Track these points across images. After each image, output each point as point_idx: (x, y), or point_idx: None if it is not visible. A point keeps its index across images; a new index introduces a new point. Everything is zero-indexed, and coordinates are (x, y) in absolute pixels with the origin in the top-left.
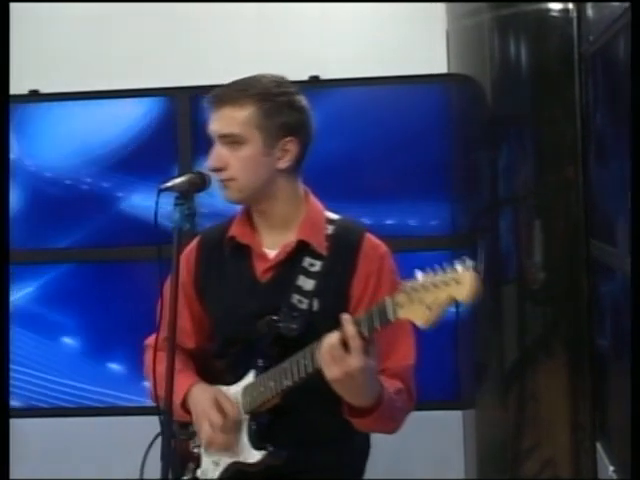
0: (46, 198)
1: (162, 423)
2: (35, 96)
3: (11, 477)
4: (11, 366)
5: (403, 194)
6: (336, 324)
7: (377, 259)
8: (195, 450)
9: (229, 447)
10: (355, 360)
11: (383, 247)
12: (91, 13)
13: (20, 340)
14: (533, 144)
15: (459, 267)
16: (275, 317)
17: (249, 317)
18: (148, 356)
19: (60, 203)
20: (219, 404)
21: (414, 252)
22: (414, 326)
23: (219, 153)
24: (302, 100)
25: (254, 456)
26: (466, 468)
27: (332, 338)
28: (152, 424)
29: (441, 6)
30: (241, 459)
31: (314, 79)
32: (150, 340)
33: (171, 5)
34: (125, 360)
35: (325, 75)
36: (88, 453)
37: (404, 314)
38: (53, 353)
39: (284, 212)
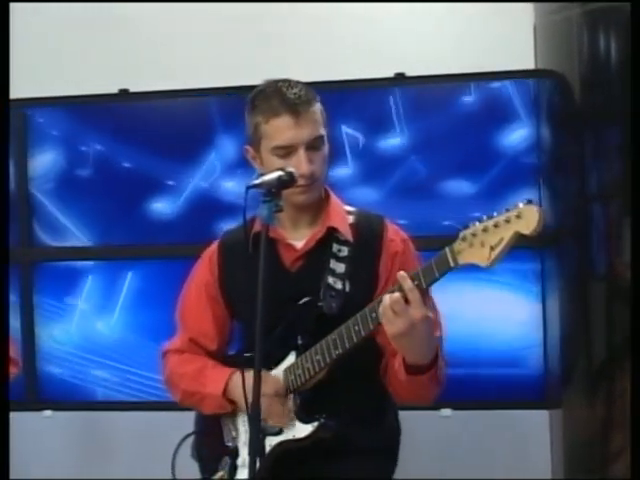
0: (131, 195)
1: (250, 422)
2: (125, 95)
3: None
4: (100, 360)
5: (489, 191)
6: (368, 303)
7: (400, 241)
8: (229, 444)
9: (286, 418)
10: (416, 310)
11: (403, 232)
12: (175, 14)
13: (106, 334)
14: (622, 141)
15: (519, 204)
16: (314, 298)
17: (282, 304)
18: (170, 361)
19: (146, 200)
20: (266, 380)
21: None
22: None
23: (310, 158)
24: None
25: (304, 430)
26: (553, 469)
27: (393, 295)
28: None
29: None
30: (289, 437)
31: (400, 76)
32: (170, 345)
33: (249, 5)
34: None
35: (412, 72)
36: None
37: (464, 259)
38: (140, 348)
39: (317, 204)
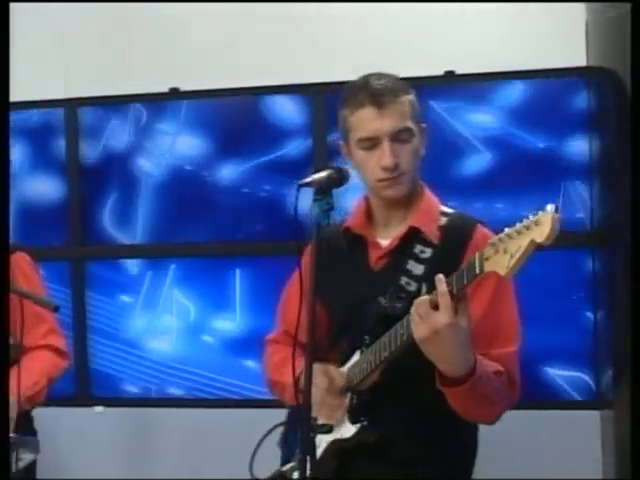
0: (193, 194)
1: (300, 417)
2: (175, 94)
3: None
4: (151, 357)
5: (541, 189)
6: None
7: None
8: None
9: (336, 413)
10: (442, 316)
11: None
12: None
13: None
14: None
15: (540, 211)
16: (382, 298)
17: (362, 303)
18: (266, 350)
19: (205, 198)
20: (327, 371)
21: (552, 248)
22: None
23: (393, 150)
24: None
25: (349, 430)
26: (604, 469)
27: (421, 298)
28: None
29: None
30: (338, 436)
31: (449, 74)
32: (269, 335)
33: (293, 5)
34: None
35: (464, 70)
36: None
37: (489, 267)
38: (191, 344)
39: (408, 202)
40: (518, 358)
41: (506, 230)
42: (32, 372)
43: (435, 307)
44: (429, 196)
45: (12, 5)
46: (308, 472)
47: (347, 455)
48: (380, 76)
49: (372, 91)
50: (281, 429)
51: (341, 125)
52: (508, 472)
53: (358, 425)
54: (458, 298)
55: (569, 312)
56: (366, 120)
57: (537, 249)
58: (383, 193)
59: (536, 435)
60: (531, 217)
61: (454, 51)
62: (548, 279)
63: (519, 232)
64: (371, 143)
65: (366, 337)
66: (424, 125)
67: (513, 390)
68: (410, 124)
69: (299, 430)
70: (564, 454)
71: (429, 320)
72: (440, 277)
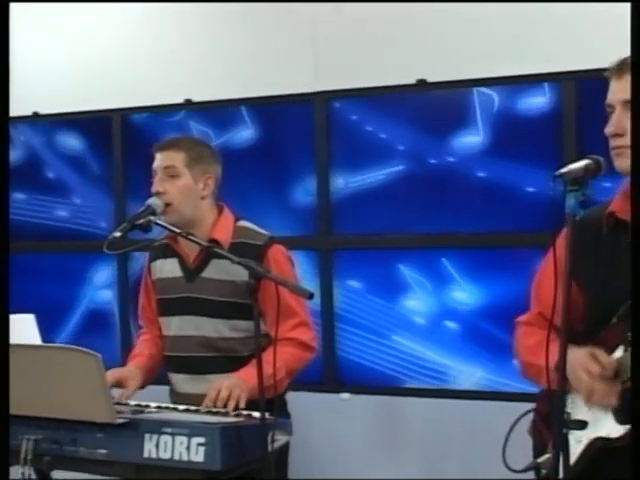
0: (425, 183)
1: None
2: (422, 85)
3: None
4: (398, 347)
5: None
6: None
7: None
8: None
9: (610, 400)
10: None
11: None
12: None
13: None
14: None
15: None
16: None
17: (622, 295)
18: (518, 332)
19: (438, 188)
20: (595, 356)
21: None
22: None
23: (621, 119)
24: None
25: (618, 431)
26: None
27: None
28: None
29: None
30: (604, 434)
31: None
32: (522, 317)
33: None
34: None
35: None
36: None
37: None
38: (438, 334)
39: None
40: None
41: None
42: (271, 364)
43: None
44: None
45: (264, 5)
46: (561, 470)
47: (616, 455)
48: None
49: (621, 61)
50: (531, 416)
51: None
52: None
53: (627, 427)
54: None
55: None
56: (610, 89)
57: None
58: (614, 164)
59: None
60: None
61: None
62: None
63: None
64: (610, 110)
65: (629, 334)
66: None
67: None
68: None
69: (553, 423)
70: None
71: None
72: None
